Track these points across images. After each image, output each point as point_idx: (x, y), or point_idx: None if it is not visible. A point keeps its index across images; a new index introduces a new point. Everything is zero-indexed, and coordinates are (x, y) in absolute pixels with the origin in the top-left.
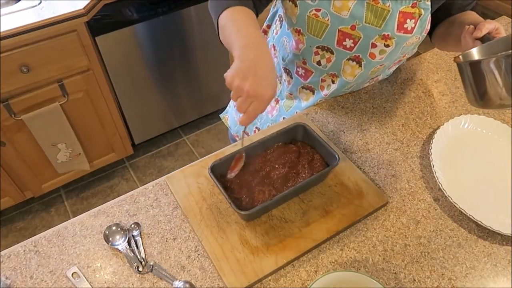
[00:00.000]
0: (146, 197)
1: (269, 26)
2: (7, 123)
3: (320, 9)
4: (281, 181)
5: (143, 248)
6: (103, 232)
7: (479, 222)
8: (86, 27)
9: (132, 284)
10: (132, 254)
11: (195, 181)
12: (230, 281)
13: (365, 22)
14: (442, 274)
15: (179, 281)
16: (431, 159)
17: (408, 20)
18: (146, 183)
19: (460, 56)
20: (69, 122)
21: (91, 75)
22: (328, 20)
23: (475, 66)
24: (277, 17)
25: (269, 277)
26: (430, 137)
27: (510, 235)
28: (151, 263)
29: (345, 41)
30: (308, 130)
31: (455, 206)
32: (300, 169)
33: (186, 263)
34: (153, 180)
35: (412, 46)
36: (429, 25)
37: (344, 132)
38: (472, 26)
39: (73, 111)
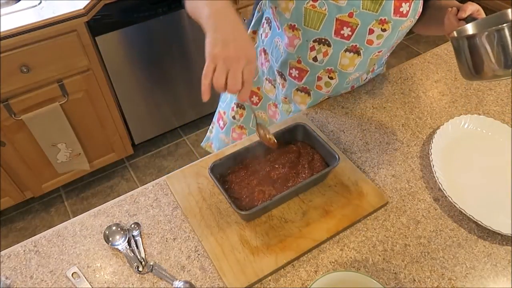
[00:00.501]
0: (146, 197)
1: (255, 32)
2: (7, 123)
3: (317, 0)
4: (281, 181)
5: (143, 248)
6: (103, 232)
7: (479, 222)
8: (86, 27)
9: (132, 284)
10: (132, 254)
11: (195, 181)
12: (230, 281)
13: (362, 8)
14: (442, 274)
15: (179, 281)
16: (431, 159)
17: (403, 4)
18: (146, 183)
19: (454, 33)
20: (69, 122)
21: (91, 75)
22: (325, 9)
23: (471, 40)
24: (264, 20)
25: (269, 277)
26: (430, 137)
27: (510, 235)
28: (151, 263)
29: (342, 29)
30: (308, 130)
31: (455, 206)
32: (300, 169)
33: (186, 263)
34: (153, 180)
35: (405, 30)
36: (421, 8)
37: (344, 132)
38: (455, 8)
39: (73, 111)
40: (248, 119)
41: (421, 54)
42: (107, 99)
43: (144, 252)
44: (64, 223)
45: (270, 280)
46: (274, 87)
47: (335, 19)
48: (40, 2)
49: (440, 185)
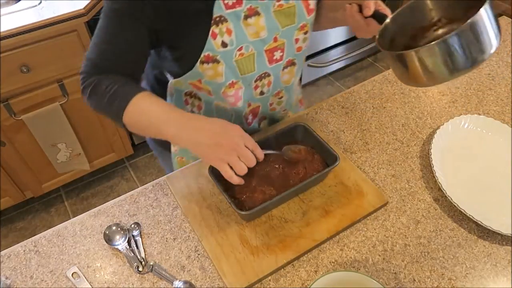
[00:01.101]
0: (146, 197)
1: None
2: (7, 123)
3: (242, 46)
4: (281, 181)
5: (143, 248)
6: (103, 232)
7: (479, 222)
8: (86, 27)
9: (132, 284)
10: (132, 254)
11: (195, 181)
12: (230, 281)
13: (282, 27)
14: (442, 274)
15: (179, 281)
16: (431, 159)
17: (310, 2)
18: (146, 183)
19: (378, 37)
20: (69, 122)
21: None
22: (252, 50)
23: (403, 57)
24: (184, 98)
25: (269, 277)
26: (430, 137)
27: (510, 235)
28: (151, 263)
29: (274, 55)
30: (308, 130)
31: (455, 206)
32: (300, 169)
33: (186, 263)
34: (153, 180)
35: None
36: None
37: (344, 132)
38: (355, 5)
39: (73, 111)
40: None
41: None
42: None
43: (144, 252)
44: (64, 223)
45: (270, 280)
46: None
47: (263, 52)
48: (40, 2)
49: (440, 185)
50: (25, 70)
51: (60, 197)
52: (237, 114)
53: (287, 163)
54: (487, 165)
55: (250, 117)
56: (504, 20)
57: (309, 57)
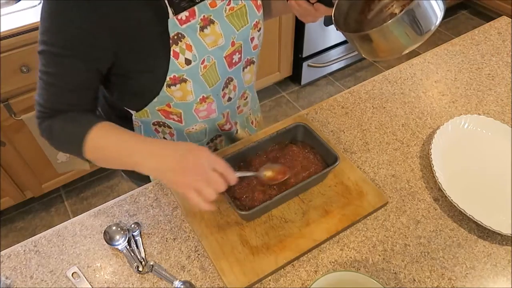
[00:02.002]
0: (146, 197)
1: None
2: (7, 123)
3: (204, 59)
4: (281, 181)
5: (143, 248)
6: (103, 232)
7: (479, 222)
8: None
9: (132, 284)
10: (132, 254)
11: None
12: (230, 281)
13: (237, 30)
14: (442, 274)
15: (179, 281)
16: (431, 159)
17: None
18: (146, 183)
19: (335, 16)
20: None
21: None
22: (212, 59)
23: (366, 36)
24: (152, 127)
25: (269, 277)
26: (430, 137)
27: (510, 235)
28: (151, 263)
29: (233, 59)
30: (308, 130)
31: (455, 206)
32: (300, 169)
33: (186, 263)
34: (153, 180)
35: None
36: None
37: (344, 132)
38: None
39: None
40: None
41: (421, 54)
42: None
43: (144, 252)
44: (64, 223)
45: (270, 280)
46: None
47: (223, 58)
48: (40, 2)
49: (440, 185)
50: (25, 70)
51: (60, 197)
52: (211, 125)
53: (288, 163)
54: (487, 165)
55: (227, 125)
56: (504, 20)
57: (309, 57)
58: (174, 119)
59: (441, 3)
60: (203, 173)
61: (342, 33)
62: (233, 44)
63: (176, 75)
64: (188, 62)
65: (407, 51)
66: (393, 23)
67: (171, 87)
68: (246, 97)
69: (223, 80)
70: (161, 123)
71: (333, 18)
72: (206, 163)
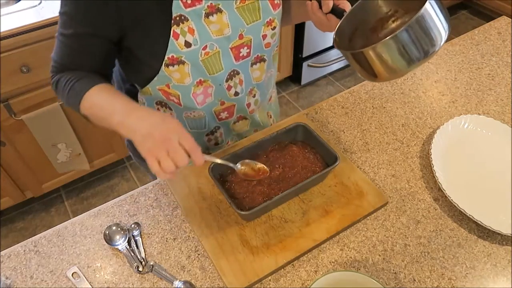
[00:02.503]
0: (146, 197)
1: None
2: (7, 123)
3: (206, 45)
4: (281, 181)
5: (143, 248)
6: (103, 232)
7: (479, 222)
8: None
9: (132, 284)
10: (132, 254)
11: (195, 181)
12: (230, 281)
13: (247, 24)
14: (442, 274)
15: (179, 281)
16: (431, 159)
17: None
18: (146, 183)
19: (335, 37)
20: (69, 122)
21: None
22: (217, 48)
23: (357, 55)
24: (155, 106)
25: (269, 277)
26: (430, 137)
27: (510, 235)
28: (151, 263)
29: (240, 52)
30: (308, 130)
31: (455, 206)
32: (300, 169)
33: (186, 263)
34: (153, 180)
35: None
36: None
37: (344, 132)
38: (315, 2)
39: (73, 111)
40: None
41: None
42: None
43: (144, 252)
44: (64, 223)
45: (270, 280)
46: (210, 152)
47: (229, 49)
48: (40, 2)
49: (440, 185)
50: (25, 70)
51: (60, 197)
52: (208, 112)
53: (287, 163)
54: (487, 165)
55: (224, 113)
56: (504, 20)
57: (309, 57)
58: (174, 101)
59: (444, 23)
60: (168, 144)
61: (340, 51)
62: (241, 37)
63: (175, 56)
64: (188, 45)
65: (404, 73)
66: (386, 43)
67: (169, 67)
68: (255, 95)
69: (226, 71)
70: (163, 103)
71: (333, 36)
72: (174, 136)
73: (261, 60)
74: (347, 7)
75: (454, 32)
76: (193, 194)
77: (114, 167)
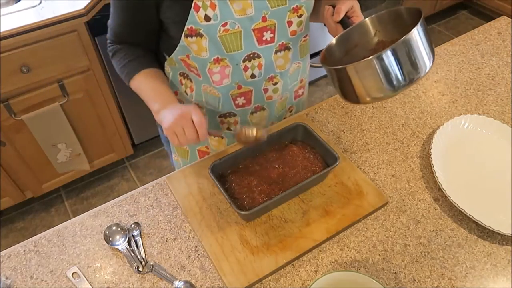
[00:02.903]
0: (146, 197)
1: (176, 93)
2: (7, 123)
3: (227, 22)
4: (281, 181)
5: (143, 248)
6: (103, 232)
7: (479, 222)
8: (86, 27)
9: (132, 284)
10: (132, 254)
11: (195, 181)
12: (230, 281)
13: (271, 7)
14: (442, 274)
15: (179, 281)
16: (431, 159)
17: None
18: (146, 183)
19: (325, 53)
20: (69, 122)
21: (91, 75)
22: (238, 27)
23: (339, 71)
24: (179, 78)
25: (269, 277)
26: (430, 137)
27: (510, 235)
28: (151, 263)
29: (263, 36)
30: (308, 130)
31: (455, 206)
32: (300, 169)
33: (186, 263)
34: (153, 180)
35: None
36: None
37: (344, 132)
38: (331, 8)
39: (73, 111)
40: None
41: None
42: (107, 99)
43: (144, 252)
44: (64, 223)
45: (270, 280)
46: (222, 137)
47: (251, 31)
48: (40, 2)
49: (440, 185)
50: (25, 70)
51: (60, 197)
52: (225, 94)
53: (287, 163)
54: (487, 165)
55: (240, 99)
56: (504, 20)
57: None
58: (194, 72)
59: (429, 53)
60: (183, 121)
61: (324, 67)
62: (264, 19)
63: (194, 27)
64: (207, 18)
65: (384, 96)
66: (368, 62)
67: (188, 38)
68: (276, 83)
69: (246, 52)
70: (185, 74)
71: (323, 51)
72: (188, 114)
73: (286, 48)
74: (358, 21)
75: (454, 32)
76: (193, 194)
77: (114, 167)
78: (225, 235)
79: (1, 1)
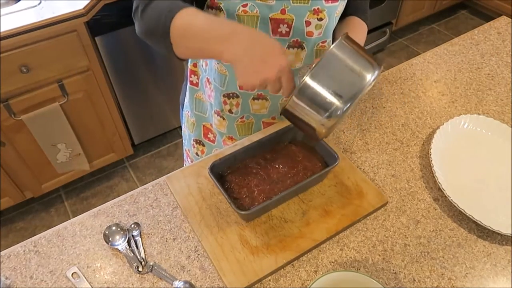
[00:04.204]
0: (146, 197)
1: (195, 65)
2: (7, 123)
3: (247, 4)
4: (281, 181)
5: (143, 248)
6: (103, 232)
7: (479, 222)
8: (86, 27)
9: (132, 284)
10: (132, 254)
11: (195, 181)
12: (230, 281)
13: (292, 3)
14: (442, 274)
15: (179, 281)
16: (431, 159)
17: None
18: (146, 183)
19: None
20: (69, 122)
21: (91, 75)
22: (257, 12)
23: (286, 113)
24: None
25: (269, 277)
26: (430, 137)
27: (510, 235)
28: (151, 263)
29: (279, 27)
30: None
31: (455, 206)
32: (300, 169)
33: (186, 263)
34: (153, 180)
35: (339, 15)
36: None
37: (344, 132)
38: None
39: (73, 111)
40: (209, 154)
41: (421, 54)
42: (107, 99)
43: (144, 252)
44: (64, 223)
45: (270, 280)
46: (224, 118)
47: (269, 19)
48: (40, 2)
49: (440, 185)
50: (25, 70)
51: (60, 197)
52: (231, 73)
53: (287, 163)
54: (487, 165)
55: None
56: (503, 20)
57: None
58: None
59: (360, 67)
60: (270, 82)
61: (282, 115)
62: (283, 12)
63: (215, 0)
64: None
65: (335, 122)
66: (299, 91)
67: (209, 9)
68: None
69: None
70: None
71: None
72: (276, 73)
73: (300, 46)
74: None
75: (453, 32)
76: (193, 194)
77: (114, 167)
78: (225, 235)
79: (1, 1)
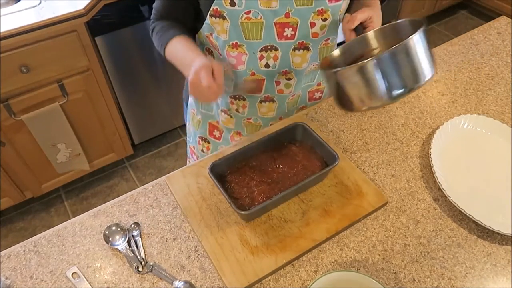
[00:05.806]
0: (146, 197)
1: None
2: (7, 123)
3: (250, 11)
4: (281, 181)
5: (143, 248)
6: (103, 232)
7: (479, 222)
8: (86, 27)
9: (132, 284)
10: (132, 254)
11: (195, 181)
12: (230, 281)
13: (296, 6)
14: (442, 274)
15: (179, 281)
16: (431, 159)
17: None
18: (146, 183)
19: (327, 60)
20: (69, 122)
21: (91, 75)
22: (261, 18)
23: (338, 75)
24: (205, 52)
25: (269, 277)
26: (430, 137)
27: (510, 235)
28: (151, 263)
29: (284, 31)
30: (308, 130)
31: (455, 206)
32: (299, 169)
33: (186, 263)
34: (153, 180)
35: (344, 12)
36: None
37: (344, 132)
38: (348, 15)
39: (73, 111)
40: (215, 150)
41: None
42: (106, 99)
43: (144, 252)
44: (64, 223)
45: (270, 280)
46: (231, 116)
47: (273, 24)
48: (40, 2)
49: (439, 185)
50: (25, 70)
51: (60, 197)
52: (238, 78)
53: (287, 163)
54: (487, 165)
55: (253, 84)
56: (503, 20)
57: None
58: (217, 50)
59: (429, 62)
60: (204, 72)
61: (322, 71)
62: (287, 15)
63: (218, 9)
64: (232, 3)
65: (379, 103)
66: (364, 65)
67: (213, 18)
68: (290, 79)
69: (264, 43)
70: (209, 50)
71: (322, 61)
72: (209, 65)
73: (305, 47)
74: (372, 29)
75: (453, 32)
76: (193, 194)
77: (114, 167)
78: (225, 235)
79: (1, 1)
